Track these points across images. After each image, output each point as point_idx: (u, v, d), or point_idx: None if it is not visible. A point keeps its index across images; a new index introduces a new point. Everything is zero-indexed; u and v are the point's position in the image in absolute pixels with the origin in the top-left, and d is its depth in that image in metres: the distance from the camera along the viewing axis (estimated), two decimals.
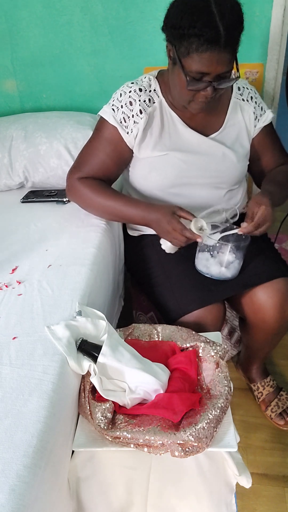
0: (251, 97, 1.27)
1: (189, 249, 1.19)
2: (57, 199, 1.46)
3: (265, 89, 1.66)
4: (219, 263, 1.15)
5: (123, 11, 1.58)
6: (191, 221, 1.10)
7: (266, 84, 1.66)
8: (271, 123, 1.31)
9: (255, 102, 1.27)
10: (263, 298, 1.18)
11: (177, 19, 0.99)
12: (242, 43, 1.64)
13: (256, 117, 1.27)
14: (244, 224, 1.10)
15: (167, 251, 1.18)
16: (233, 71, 1.07)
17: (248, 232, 1.10)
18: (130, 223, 1.37)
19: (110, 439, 0.80)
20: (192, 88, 1.05)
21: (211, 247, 1.15)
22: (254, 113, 1.26)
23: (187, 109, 1.14)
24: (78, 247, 1.18)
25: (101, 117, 1.21)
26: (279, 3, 1.50)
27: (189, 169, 1.21)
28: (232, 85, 1.26)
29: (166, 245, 1.17)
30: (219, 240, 1.12)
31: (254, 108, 1.26)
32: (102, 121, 1.21)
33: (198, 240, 1.09)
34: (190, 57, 1.00)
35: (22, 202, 1.49)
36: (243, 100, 1.26)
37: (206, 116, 1.22)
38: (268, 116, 1.28)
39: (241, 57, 1.61)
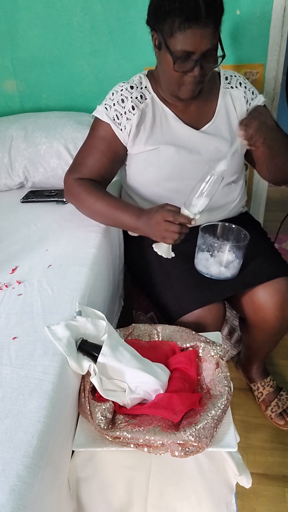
0: (240, 83, 1.27)
1: (189, 249, 1.19)
2: (57, 199, 1.46)
3: (265, 89, 1.66)
4: (218, 262, 1.15)
5: (123, 11, 1.58)
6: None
7: (266, 84, 1.66)
8: (265, 107, 1.27)
9: (245, 87, 1.27)
10: (263, 297, 1.18)
11: (158, 1, 1.04)
12: (243, 43, 1.65)
13: (247, 101, 1.26)
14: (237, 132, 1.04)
15: (160, 253, 1.11)
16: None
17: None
18: (120, 227, 1.30)
19: (110, 439, 0.80)
20: (179, 69, 1.05)
21: (210, 247, 1.15)
22: (244, 97, 1.26)
23: (179, 97, 1.14)
24: (78, 247, 1.18)
25: (95, 117, 1.22)
26: (279, 3, 1.50)
27: (183, 162, 1.21)
28: (219, 76, 1.27)
29: (161, 248, 1.11)
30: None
31: (244, 92, 1.26)
32: (96, 121, 1.23)
33: (192, 223, 1.05)
34: (174, 36, 1.02)
35: (22, 202, 1.49)
36: (231, 87, 1.26)
37: (198, 108, 1.23)
38: (260, 100, 1.27)
39: (241, 57, 1.62)
